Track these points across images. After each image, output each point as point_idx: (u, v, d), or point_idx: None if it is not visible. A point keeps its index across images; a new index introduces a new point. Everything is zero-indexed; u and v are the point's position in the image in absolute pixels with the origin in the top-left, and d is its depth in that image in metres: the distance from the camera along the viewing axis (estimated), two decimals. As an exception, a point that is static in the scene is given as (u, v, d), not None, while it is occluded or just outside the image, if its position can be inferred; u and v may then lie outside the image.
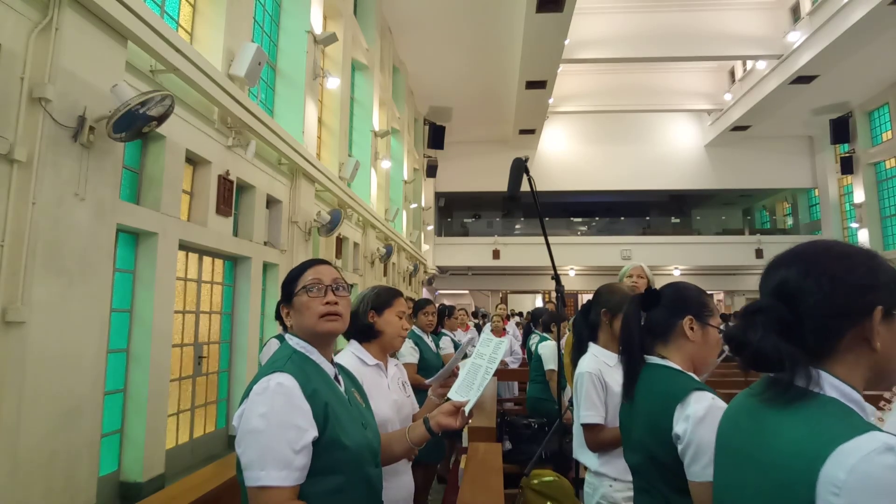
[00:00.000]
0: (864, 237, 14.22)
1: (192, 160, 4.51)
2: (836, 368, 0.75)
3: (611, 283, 2.13)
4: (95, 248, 3.07)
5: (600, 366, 1.87)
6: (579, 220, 20.80)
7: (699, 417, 1.15)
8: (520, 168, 2.46)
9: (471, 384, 1.45)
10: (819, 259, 0.79)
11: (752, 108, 14.22)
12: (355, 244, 9.04)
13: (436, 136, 14.85)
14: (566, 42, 10.57)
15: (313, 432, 1.11)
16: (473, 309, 15.54)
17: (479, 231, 19.30)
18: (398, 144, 12.94)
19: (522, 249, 16.93)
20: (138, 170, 3.98)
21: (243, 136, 4.92)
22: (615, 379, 1.78)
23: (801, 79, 12.33)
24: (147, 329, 3.81)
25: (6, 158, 2.57)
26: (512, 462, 3.32)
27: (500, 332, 6.19)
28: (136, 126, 3.06)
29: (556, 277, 2.45)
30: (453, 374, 1.73)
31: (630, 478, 1.41)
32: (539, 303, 19.24)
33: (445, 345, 4.25)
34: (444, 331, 4.74)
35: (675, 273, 17.67)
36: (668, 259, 16.99)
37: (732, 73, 15.79)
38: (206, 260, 4.91)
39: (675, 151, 17.73)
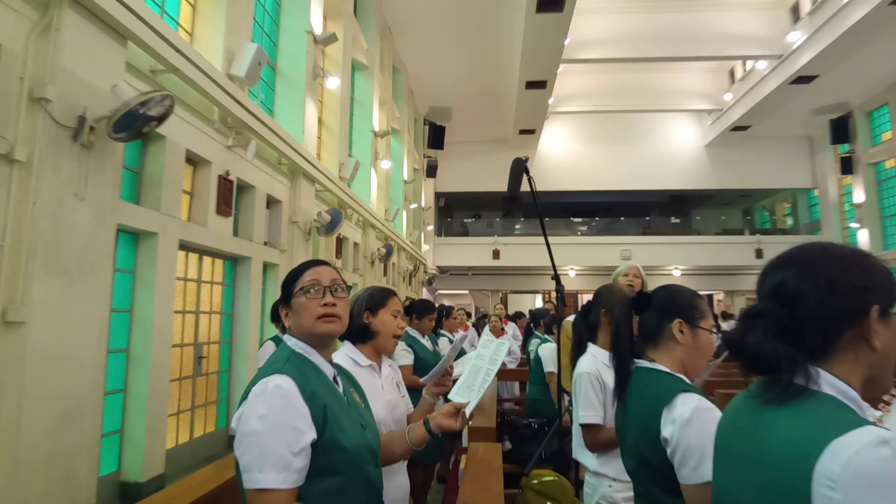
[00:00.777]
0: (863, 237, 14.21)
1: (193, 160, 4.51)
2: (835, 367, 0.76)
3: (611, 284, 2.14)
4: (95, 248, 3.07)
5: (599, 366, 1.87)
6: (579, 220, 20.77)
7: (685, 420, 1.14)
8: (520, 168, 2.47)
9: (471, 386, 1.46)
10: (815, 261, 0.80)
11: (752, 108, 14.20)
12: (355, 244, 9.04)
13: (436, 136, 14.84)
14: (566, 42, 10.55)
15: (312, 434, 1.11)
16: (474, 311, 15.52)
17: (479, 231, 19.26)
18: (398, 144, 12.94)
19: (522, 249, 16.90)
20: (138, 170, 3.98)
21: (243, 136, 4.92)
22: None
23: (801, 79, 12.32)
24: (147, 329, 3.81)
25: (6, 158, 2.58)
26: (512, 462, 3.32)
27: (498, 332, 6.19)
28: (136, 126, 3.06)
29: (556, 277, 2.45)
30: (447, 373, 1.73)
31: (629, 478, 1.41)
32: (539, 303, 19.22)
33: (443, 346, 4.25)
34: (442, 331, 4.75)
35: (675, 273, 17.67)
36: (668, 259, 16.98)
37: (732, 74, 15.78)
38: (206, 260, 4.91)
39: (675, 151, 17.71)
